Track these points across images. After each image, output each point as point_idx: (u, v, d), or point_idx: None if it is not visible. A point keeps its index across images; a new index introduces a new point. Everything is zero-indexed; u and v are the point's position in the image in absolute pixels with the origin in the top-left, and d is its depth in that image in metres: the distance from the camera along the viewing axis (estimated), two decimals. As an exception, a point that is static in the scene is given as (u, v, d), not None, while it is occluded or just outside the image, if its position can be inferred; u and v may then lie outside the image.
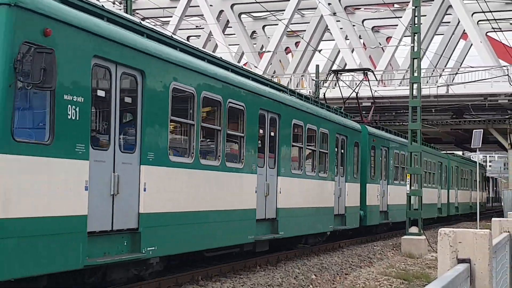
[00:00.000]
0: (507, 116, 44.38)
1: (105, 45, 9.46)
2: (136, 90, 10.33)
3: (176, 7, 52.76)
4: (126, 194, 10.03)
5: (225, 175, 13.09)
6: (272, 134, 15.52)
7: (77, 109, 8.78)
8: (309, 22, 54.28)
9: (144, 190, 10.39)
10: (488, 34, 55.68)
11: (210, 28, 52.67)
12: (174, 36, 12.71)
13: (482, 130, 26.50)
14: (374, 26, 62.35)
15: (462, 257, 4.47)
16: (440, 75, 49.24)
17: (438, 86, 43.61)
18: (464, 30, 50.72)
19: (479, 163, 33.31)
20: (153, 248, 10.60)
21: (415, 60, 21.94)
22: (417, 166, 22.66)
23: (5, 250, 7.75)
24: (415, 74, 21.89)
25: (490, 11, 39.79)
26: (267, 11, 52.28)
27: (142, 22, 11.29)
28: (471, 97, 43.10)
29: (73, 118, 8.72)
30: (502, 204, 47.56)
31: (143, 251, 10.34)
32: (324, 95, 29.90)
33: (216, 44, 54.56)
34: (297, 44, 60.86)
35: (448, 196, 38.28)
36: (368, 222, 23.42)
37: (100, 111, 9.73)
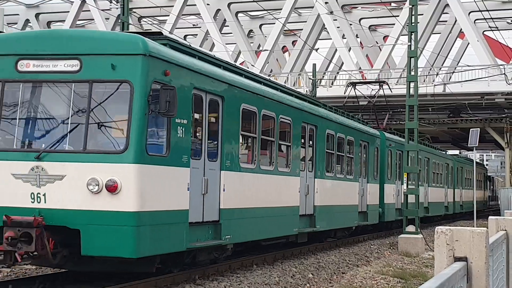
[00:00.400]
0: (503, 115, 44.43)
1: (200, 79, 12.16)
2: (218, 111, 12.93)
3: (173, 6, 52.70)
4: (212, 193, 12.70)
5: (277, 178, 15.86)
6: (311, 142, 18.36)
7: (183, 129, 11.44)
8: (306, 21, 54.28)
9: (223, 190, 13.07)
10: (485, 33, 55.72)
11: (207, 27, 52.65)
12: (239, 65, 16.09)
13: (479, 129, 26.57)
14: (371, 25, 62.36)
15: (459, 256, 4.47)
16: (437, 74, 49.27)
17: (435, 85, 43.63)
18: (461, 29, 50.77)
19: (479, 163, 35.17)
20: (229, 236, 13.26)
21: (412, 59, 21.95)
22: (414, 165, 22.64)
23: (141, 235, 10.40)
24: (412, 73, 21.90)
25: (487, 10, 39.85)
26: (264, 10, 52.26)
27: (215, 55, 14.16)
28: (468, 96, 43.12)
29: (181, 136, 11.39)
30: (499, 202, 47.62)
31: (223, 239, 13.03)
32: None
33: (213, 43, 54.54)
34: (294, 43, 60.83)
35: (454, 195, 40.72)
36: (386, 219, 26.25)
37: (195, 129, 12.30)
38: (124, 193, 10.32)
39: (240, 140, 14.01)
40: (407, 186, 22.02)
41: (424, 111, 42.28)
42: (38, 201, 10.54)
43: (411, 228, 21.77)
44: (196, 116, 12.20)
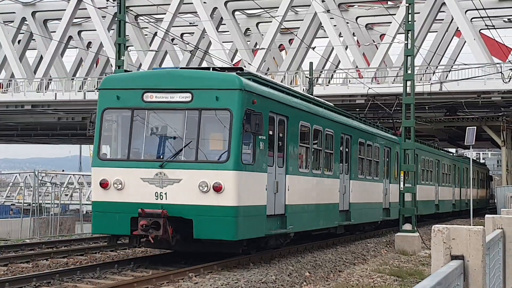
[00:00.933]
0: (500, 114, 44.47)
1: (273, 104, 15.64)
2: (284, 128, 16.27)
3: (169, 4, 52.65)
4: (280, 193, 16.05)
5: (323, 180, 19.34)
6: (347, 150, 21.63)
7: (263, 143, 14.99)
8: (302, 19, 54.25)
9: (288, 190, 16.42)
10: (481, 31, 55.74)
11: (204, 25, 52.60)
12: (296, 89, 20.26)
13: (475, 127, 26.60)
14: (368, 24, 62.35)
15: (456, 254, 4.47)
16: (434, 73, 49.26)
17: (431, 84, 43.64)
18: (457, 28, 50.81)
19: (482, 163, 37.49)
20: (292, 226, 16.67)
21: (409, 58, 21.95)
22: (411, 163, 22.65)
23: (238, 223, 13.94)
24: (409, 72, 21.91)
25: (484, 9, 39.88)
26: (261, 8, 52.25)
27: (266, 75, 18.22)
28: (465, 95, 43.14)
29: (262, 148, 14.91)
30: (496, 201, 47.67)
31: (287, 228, 16.39)
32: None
33: (210, 41, 54.50)
34: (291, 41, 60.80)
35: (460, 194, 43.84)
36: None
37: (270, 143, 15.54)
38: (226, 192, 13.80)
39: (299, 150, 17.41)
40: (404, 185, 22.02)
41: (420, 109, 42.32)
42: (161, 198, 14.04)
43: (407, 226, 21.77)
44: (270, 132, 15.54)
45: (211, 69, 15.90)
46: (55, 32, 58.40)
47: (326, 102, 21.88)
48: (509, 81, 39.81)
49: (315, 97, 20.80)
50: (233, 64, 55.52)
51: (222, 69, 15.88)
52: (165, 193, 13.99)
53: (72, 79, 57.68)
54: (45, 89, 54.83)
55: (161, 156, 14.48)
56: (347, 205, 21.52)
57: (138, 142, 14.70)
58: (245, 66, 52.07)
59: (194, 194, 13.82)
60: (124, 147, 14.81)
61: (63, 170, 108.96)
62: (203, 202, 13.81)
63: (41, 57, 60.10)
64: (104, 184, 14.44)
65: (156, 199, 14.01)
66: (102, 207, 14.52)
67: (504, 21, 60.19)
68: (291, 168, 16.58)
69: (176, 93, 14.43)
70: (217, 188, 13.74)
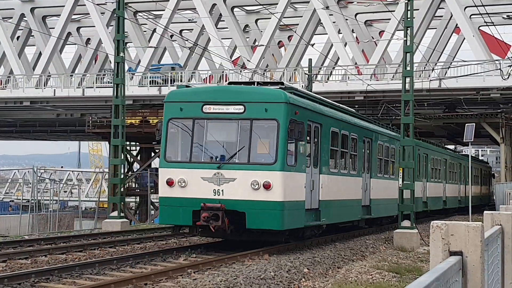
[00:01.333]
0: (499, 110, 44.49)
1: (310, 113, 18.24)
2: (318, 134, 18.88)
3: (168, 1, 52.61)
4: (315, 190, 18.61)
5: (349, 178, 21.99)
6: (368, 151, 24.11)
7: (303, 148, 17.67)
8: (302, 16, 54.22)
9: (321, 187, 18.94)
10: (480, 28, 55.71)
11: (203, 22, 52.57)
12: (327, 100, 22.08)
13: (474, 124, 26.57)
14: (367, 20, 62.34)
15: (454, 250, 4.47)
16: (433, 69, 49.25)
17: (430, 80, 43.64)
18: (456, 24, 50.76)
19: (485, 162, 39.95)
20: (324, 219, 19.32)
21: (408, 54, 21.95)
22: (410, 160, 22.64)
23: (284, 215, 16.49)
24: (408, 68, 21.91)
25: (483, 5, 39.86)
26: (260, 4, 52.20)
27: (313, 93, 21.55)
28: (464, 91, 43.15)
29: (302, 152, 17.60)
30: (494, 197, 47.73)
31: (321, 221, 19.03)
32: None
33: (209, 38, 54.47)
34: (290, 38, 60.77)
35: (465, 191, 45.35)
36: (416, 209, 32.37)
37: (307, 147, 18.18)
38: (274, 189, 16.36)
39: (329, 153, 19.96)
40: (403, 181, 22.02)
41: (419, 106, 42.31)
42: (219, 194, 16.57)
43: (406, 223, 21.79)
44: (308, 138, 18.10)
45: (256, 83, 18.66)
46: (54, 28, 58.34)
47: (350, 108, 24.58)
48: (508, 78, 39.81)
49: (342, 106, 23.30)
50: (232, 61, 55.51)
51: (265, 83, 19.15)
52: (222, 190, 16.60)
53: (71, 75, 57.64)
54: (44, 86, 54.79)
55: (218, 159, 17.08)
56: (368, 200, 24.11)
57: (198, 147, 17.29)
58: (243, 62, 52.06)
59: (246, 191, 16.43)
60: (186, 151, 17.42)
61: (62, 167, 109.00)
62: (254, 197, 16.43)
63: (40, 53, 60.04)
64: (169, 182, 17.03)
65: (214, 195, 16.61)
66: (168, 202, 17.10)
67: (503, 18, 60.19)
68: (324, 168, 19.34)
69: (231, 105, 17.05)
70: (267, 186, 16.36)
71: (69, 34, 64.32)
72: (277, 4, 50.47)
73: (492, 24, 43.27)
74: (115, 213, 25.38)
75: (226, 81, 50.97)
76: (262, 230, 16.65)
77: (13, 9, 61.68)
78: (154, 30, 55.80)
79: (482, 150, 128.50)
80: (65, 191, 76.61)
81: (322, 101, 20.47)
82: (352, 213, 22.55)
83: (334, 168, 20.42)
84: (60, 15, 56.85)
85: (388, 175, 27.15)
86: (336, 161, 20.59)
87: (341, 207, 21.02)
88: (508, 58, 41.92)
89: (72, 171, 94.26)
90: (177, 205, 16.77)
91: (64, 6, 56.40)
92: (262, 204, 16.28)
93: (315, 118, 18.62)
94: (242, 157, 16.82)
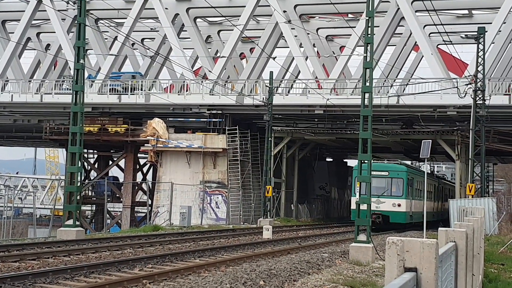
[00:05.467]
0: (455, 128, 45.19)
1: (412, 173, 42.25)
2: (412, 182, 41.97)
3: (131, 9, 52.38)
4: (411, 206, 41.44)
5: (419, 201, 42.14)
6: (420, 187, 42.62)
7: (411, 189, 41.40)
8: (264, 29, 54.47)
9: (412, 205, 41.07)
10: (439, 46, 56.64)
11: (165, 31, 52.44)
12: (414, 167, 50.81)
13: (430, 140, 26.94)
14: (328, 35, 62.88)
15: (409, 266, 4.53)
16: (391, 86, 49.88)
17: (389, 97, 44.19)
18: (415, 42, 51.54)
19: (447, 179, 51.02)
20: (413, 220, 42.03)
21: (368, 70, 22.19)
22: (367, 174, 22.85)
23: (407, 217, 40.41)
24: (367, 84, 22.14)
25: (442, 24, 40.54)
26: (223, 16, 52.28)
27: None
28: (421, 108, 43.78)
29: (409, 190, 41.04)
30: (449, 213, 48.35)
31: (413, 220, 42.25)
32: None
33: (171, 47, 54.34)
34: (251, 50, 60.96)
35: (438, 206, 53.93)
36: (415, 220, 43.36)
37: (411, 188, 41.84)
38: (401, 207, 39.55)
39: (414, 189, 41.62)
40: (359, 196, 22.18)
41: (378, 121, 42.79)
42: (378, 208, 38.67)
43: (362, 237, 21.95)
44: (411, 184, 41.72)
45: (386, 160, 41.35)
46: (13, 33, 57.60)
47: (415, 167, 41.82)
48: (464, 96, 40.51)
49: (413, 166, 38.73)
50: (194, 71, 55.41)
51: (396, 162, 40.91)
52: (379, 206, 38.37)
53: (30, 81, 56.93)
54: (1, 91, 54.00)
55: (378, 193, 38.07)
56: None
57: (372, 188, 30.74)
58: (205, 73, 52.01)
59: (390, 206, 36.77)
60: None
61: (17, 173, 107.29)
62: (394, 209, 39.05)
63: (-2, 58, 59.13)
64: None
65: (376, 208, 37.78)
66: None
67: (462, 37, 61.16)
68: (413, 197, 40.90)
69: (383, 172, 39.33)
70: (398, 205, 38.92)
71: (28, 39, 63.54)
72: (239, 16, 50.64)
73: (450, 43, 44.07)
74: (70, 221, 25.09)
75: (187, 91, 50.89)
76: (396, 223, 38.94)
77: (-29, 12, 60.76)
78: (116, 38, 55.46)
79: (437, 167, 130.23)
80: (20, 198, 75.38)
81: (412, 168, 39.45)
82: (419, 217, 39.99)
83: (415, 196, 41.83)
84: (20, 20, 56.16)
85: (419, 197, 42.93)
86: (420, 194, 41.90)
87: (417, 215, 41.20)
88: (465, 76, 42.65)
89: (28, 177, 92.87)
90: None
91: (24, 11, 55.76)
92: (397, 212, 39.24)
93: (413, 175, 41.46)
94: (388, 193, 39.85)
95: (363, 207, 22.90)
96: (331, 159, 71.46)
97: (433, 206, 50.38)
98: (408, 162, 66.93)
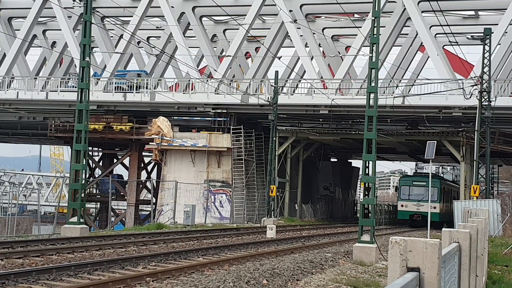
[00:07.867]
0: (460, 129, 45.14)
1: (444, 183, 54.69)
2: (444, 189, 53.95)
3: (137, 7, 52.43)
4: (442, 207, 51.83)
5: (448, 204, 53.71)
6: (448, 192, 55.74)
7: (444, 195, 52.57)
8: (269, 28, 54.47)
9: (443, 207, 52.89)
10: (445, 47, 56.56)
11: (171, 30, 52.48)
12: (445, 178, 67.74)
13: (435, 141, 26.89)
14: (334, 35, 62.85)
15: (412, 266, 4.52)
16: (397, 86, 49.82)
17: (394, 97, 44.14)
18: (421, 43, 51.47)
19: (453, 181, 54.22)
20: (444, 219, 50.74)
21: (373, 70, 22.16)
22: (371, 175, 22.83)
23: (441, 216, 49.99)
24: (373, 84, 22.11)
25: (448, 25, 40.48)
26: (229, 15, 52.30)
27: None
28: (426, 109, 43.73)
29: (443, 196, 51.79)
30: (454, 214, 48.46)
31: (444, 219, 51.32)
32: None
33: (176, 46, 54.38)
34: (257, 49, 60.98)
35: (444, 208, 57.61)
36: (441, 219, 50.37)
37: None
38: (437, 208, 49.17)
39: (445, 195, 52.69)
40: (364, 196, 22.16)
41: (383, 122, 42.75)
42: (419, 210, 49.29)
43: (365, 237, 21.93)
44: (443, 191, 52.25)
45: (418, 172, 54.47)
46: (19, 30, 57.70)
47: (443, 177, 51.61)
48: (470, 97, 40.44)
49: (444, 177, 48.63)
50: (199, 70, 55.43)
51: (426, 173, 47.28)
52: (419, 208, 48.88)
53: (35, 78, 57.03)
54: (7, 88, 54.10)
55: (418, 199, 49.47)
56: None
57: (411, 194, 49.80)
58: (210, 72, 52.03)
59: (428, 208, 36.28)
60: (406, 195, 50.21)
61: (22, 170, 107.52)
62: (431, 210, 37.38)
63: (4, 55, 59.29)
64: (402, 205, 50.45)
65: (417, 210, 49.07)
66: (400, 213, 48.03)
67: (468, 38, 61.07)
68: (443, 200, 50.34)
69: (421, 182, 49.36)
70: (434, 207, 46.31)
71: (34, 36, 63.66)
72: (245, 15, 50.64)
73: (456, 43, 43.98)
74: (74, 219, 25.13)
75: (192, 89, 50.93)
76: (432, 221, 36.32)
77: (-22, 9, 60.88)
78: (121, 36, 55.53)
79: (442, 168, 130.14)
80: (25, 195, 75.57)
81: (443, 179, 53.32)
82: (449, 216, 47.84)
83: (445, 201, 50.67)
84: (26, 17, 56.26)
85: (447, 202, 52.71)
86: (445, 198, 50.82)
87: (447, 214, 49.77)
88: (471, 77, 42.59)
89: (33, 174, 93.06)
90: (405, 213, 41.17)
91: (30, 8, 55.85)
92: (433, 213, 43.15)
93: (444, 184, 51.43)
94: (426, 198, 44.92)
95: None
96: (336, 160, 71.44)
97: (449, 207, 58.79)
98: (413, 163, 67.86)
